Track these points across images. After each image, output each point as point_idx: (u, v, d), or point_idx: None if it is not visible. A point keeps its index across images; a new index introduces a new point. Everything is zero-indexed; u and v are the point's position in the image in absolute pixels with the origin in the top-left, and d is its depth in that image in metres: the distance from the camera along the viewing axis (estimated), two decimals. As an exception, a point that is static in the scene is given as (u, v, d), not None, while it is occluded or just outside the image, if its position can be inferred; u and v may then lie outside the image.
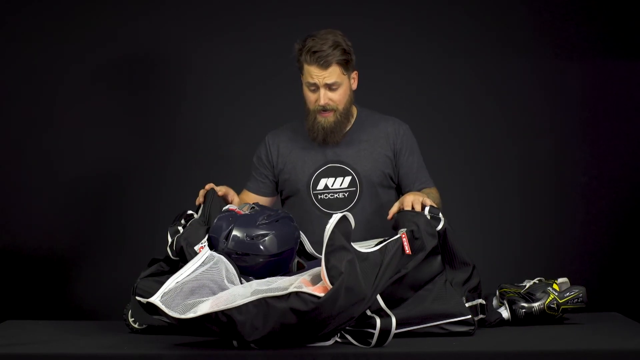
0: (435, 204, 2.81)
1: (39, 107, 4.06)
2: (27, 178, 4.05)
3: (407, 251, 2.57)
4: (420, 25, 4.09)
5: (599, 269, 4.05)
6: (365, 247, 2.62)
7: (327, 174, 3.12)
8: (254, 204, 2.77)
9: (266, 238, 2.65)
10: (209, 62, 4.11)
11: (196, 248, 2.64)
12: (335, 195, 3.11)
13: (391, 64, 4.05)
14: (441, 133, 4.08)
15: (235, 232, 2.65)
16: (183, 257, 2.66)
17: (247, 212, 2.71)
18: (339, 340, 2.48)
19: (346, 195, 3.11)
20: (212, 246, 2.65)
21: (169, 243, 2.73)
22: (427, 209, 2.71)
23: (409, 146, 3.16)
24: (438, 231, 2.66)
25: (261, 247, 2.65)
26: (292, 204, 3.16)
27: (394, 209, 2.80)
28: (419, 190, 3.06)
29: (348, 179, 3.11)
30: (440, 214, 2.70)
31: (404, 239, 2.58)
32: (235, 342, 2.42)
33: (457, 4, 4.09)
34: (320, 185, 3.12)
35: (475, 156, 4.10)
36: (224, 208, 2.78)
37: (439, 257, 2.65)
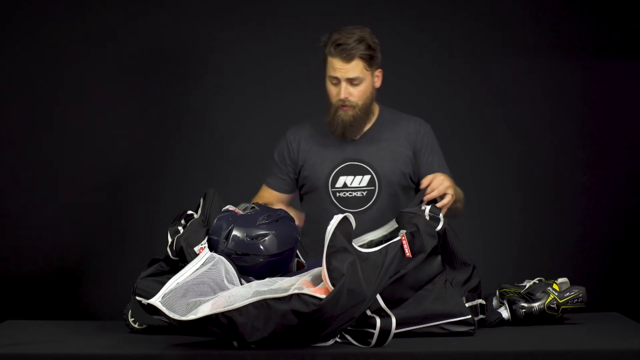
0: (459, 201, 2.90)
1: (40, 108, 4.06)
2: (28, 178, 4.06)
3: (407, 254, 2.56)
4: (421, 26, 4.09)
5: (599, 269, 4.05)
6: (365, 241, 2.65)
7: (346, 171, 3.12)
8: (253, 203, 2.77)
9: (266, 238, 2.65)
10: (210, 62, 4.11)
11: (196, 249, 2.63)
12: (353, 194, 3.11)
13: (391, 64, 4.03)
14: (441, 133, 4.05)
15: (235, 232, 2.64)
16: (183, 257, 2.66)
17: (246, 212, 2.71)
18: (338, 340, 2.48)
19: (364, 194, 3.11)
20: (212, 247, 2.65)
21: (169, 243, 2.73)
22: (427, 208, 2.71)
23: (429, 145, 3.16)
24: (437, 231, 2.66)
25: (261, 247, 2.64)
26: (310, 201, 3.16)
27: (425, 182, 2.81)
28: None
29: (367, 177, 3.11)
30: (440, 215, 2.70)
31: (404, 241, 2.58)
32: (235, 343, 2.42)
33: (457, 4, 4.09)
34: (339, 183, 3.12)
35: (475, 156, 4.10)
36: (223, 208, 2.78)
37: (439, 257, 2.65)
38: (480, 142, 4.10)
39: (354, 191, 3.11)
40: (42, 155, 4.06)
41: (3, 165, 4.05)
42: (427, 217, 2.67)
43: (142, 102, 4.11)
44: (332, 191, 3.12)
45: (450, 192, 2.82)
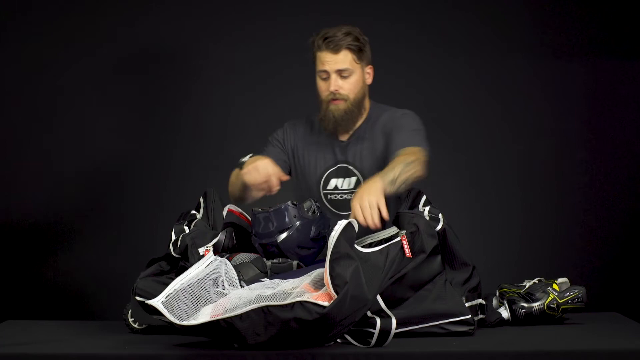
0: (409, 171, 2.77)
1: (40, 104, 4.07)
2: (28, 178, 4.06)
3: (408, 254, 2.56)
4: (420, 25, 4.09)
5: (599, 269, 4.05)
6: (365, 243, 2.67)
7: (337, 174, 3.09)
8: (316, 204, 2.77)
9: (308, 252, 2.73)
10: (210, 61, 4.11)
11: (201, 250, 2.63)
12: (344, 197, 3.08)
13: (391, 64, 4.04)
14: (441, 133, 4.07)
15: (290, 234, 2.71)
16: (186, 256, 2.66)
17: (309, 214, 2.74)
18: (338, 340, 2.48)
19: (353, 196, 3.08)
20: (254, 232, 2.72)
21: (172, 240, 2.73)
22: (427, 209, 2.70)
23: (399, 125, 3.01)
24: (437, 231, 2.66)
25: (297, 255, 2.73)
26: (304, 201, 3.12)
27: (353, 215, 2.65)
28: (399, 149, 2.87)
29: (354, 179, 3.08)
30: (440, 215, 2.70)
31: (404, 242, 2.57)
32: (235, 344, 2.41)
33: (457, 3, 4.09)
34: (331, 185, 3.09)
35: (476, 156, 4.10)
36: (225, 208, 2.80)
37: (439, 257, 2.64)
38: (480, 142, 4.10)
39: (344, 194, 3.07)
40: (42, 156, 4.06)
41: (3, 166, 4.05)
42: (427, 217, 2.67)
43: (142, 102, 4.11)
44: (324, 193, 3.09)
45: (381, 202, 2.64)
